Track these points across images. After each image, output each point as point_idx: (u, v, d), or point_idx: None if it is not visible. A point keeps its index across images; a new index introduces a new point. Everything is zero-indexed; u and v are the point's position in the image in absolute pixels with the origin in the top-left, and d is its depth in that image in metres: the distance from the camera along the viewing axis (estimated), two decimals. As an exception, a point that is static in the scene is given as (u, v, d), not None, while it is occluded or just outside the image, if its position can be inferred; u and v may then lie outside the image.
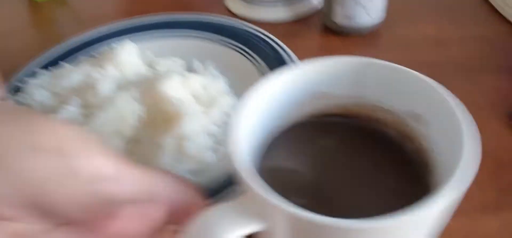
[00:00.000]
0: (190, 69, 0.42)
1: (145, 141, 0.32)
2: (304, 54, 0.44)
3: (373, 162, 0.23)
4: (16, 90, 0.39)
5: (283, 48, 0.40)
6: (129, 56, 0.39)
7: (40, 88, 0.37)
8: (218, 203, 0.19)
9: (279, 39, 0.46)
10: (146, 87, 0.34)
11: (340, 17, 0.45)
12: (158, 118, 0.33)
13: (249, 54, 0.41)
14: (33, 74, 0.40)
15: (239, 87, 0.39)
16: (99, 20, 0.46)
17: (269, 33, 0.46)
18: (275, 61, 0.39)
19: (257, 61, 0.40)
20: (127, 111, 0.33)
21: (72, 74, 0.37)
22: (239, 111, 0.20)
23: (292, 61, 0.39)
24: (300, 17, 0.49)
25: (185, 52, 0.43)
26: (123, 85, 0.36)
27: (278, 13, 0.49)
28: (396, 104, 0.23)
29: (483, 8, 0.49)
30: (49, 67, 0.41)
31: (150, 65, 0.41)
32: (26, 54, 0.42)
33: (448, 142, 0.20)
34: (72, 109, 0.33)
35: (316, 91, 0.24)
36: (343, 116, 0.24)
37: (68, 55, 0.43)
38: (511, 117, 0.35)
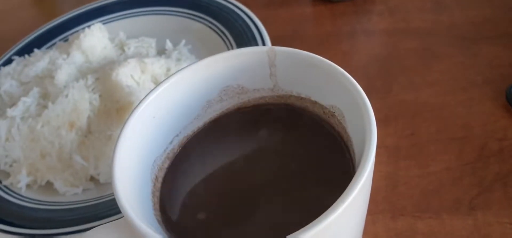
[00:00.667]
0: (162, 49, 0.40)
1: (97, 133, 0.31)
2: (288, 26, 0.41)
3: (293, 159, 0.20)
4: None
5: (259, 28, 0.37)
6: (97, 41, 0.38)
7: (9, 77, 0.37)
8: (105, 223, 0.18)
9: (264, 7, 0.43)
10: (101, 75, 0.33)
11: None
12: (112, 109, 0.32)
13: (223, 33, 0.39)
14: (9, 62, 0.41)
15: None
16: None
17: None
18: (248, 41, 0.36)
19: (229, 40, 0.38)
20: (81, 102, 0.32)
21: (39, 62, 0.37)
22: (124, 129, 0.18)
23: (264, 43, 0.36)
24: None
25: (161, 29, 0.42)
26: (84, 72, 0.35)
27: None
28: (313, 94, 0.20)
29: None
30: (26, 55, 0.41)
31: (121, 47, 0.40)
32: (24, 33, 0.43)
33: (360, 133, 0.17)
34: (28, 101, 0.33)
35: (228, 85, 0.21)
36: (259, 109, 0.22)
37: (45, 41, 0.43)
38: (510, 96, 0.30)
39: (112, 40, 0.40)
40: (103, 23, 0.43)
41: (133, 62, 0.33)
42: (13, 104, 0.34)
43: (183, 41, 0.40)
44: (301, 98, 0.21)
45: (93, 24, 0.43)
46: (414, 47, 0.36)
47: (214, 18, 0.40)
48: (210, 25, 0.40)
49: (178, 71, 0.21)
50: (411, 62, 0.35)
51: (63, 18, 0.44)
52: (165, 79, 0.20)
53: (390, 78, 0.34)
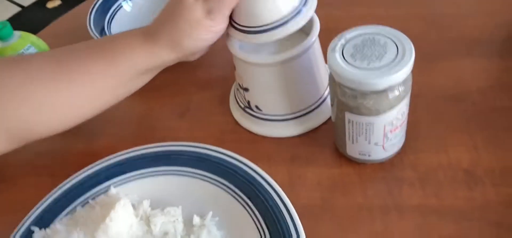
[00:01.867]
0: (189, 219, 0.39)
1: None
2: (317, 192, 0.40)
3: None
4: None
5: (287, 206, 0.36)
6: (123, 223, 0.37)
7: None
8: None
9: (289, 163, 0.42)
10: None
11: (354, 152, 0.39)
12: None
13: (251, 209, 0.38)
14: (29, 235, 0.39)
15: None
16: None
17: (278, 152, 0.43)
18: (279, 231, 0.35)
19: (258, 219, 0.37)
20: None
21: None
22: None
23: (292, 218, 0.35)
24: (310, 129, 0.44)
25: (185, 193, 0.41)
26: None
27: (287, 129, 0.44)
28: None
29: None
30: (46, 226, 0.40)
31: (146, 222, 0.39)
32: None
33: None
34: None
35: None
36: None
37: (64, 205, 0.41)
38: None
39: (135, 209, 0.39)
40: (124, 183, 0.42)
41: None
42: None
43: (210, 214, 0.39)
44: None
45: (113, 184, 0.42)
46: (449, 236, 0.35)
47: (238, 188, 0.39)
48: (234, 195, 0.39)
49: None
50: (448, 257, 0.34)
51: (81, 177, 0.43)
52: None
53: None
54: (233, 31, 0.40)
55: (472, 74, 0.46)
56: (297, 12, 0.38)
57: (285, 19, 0.38)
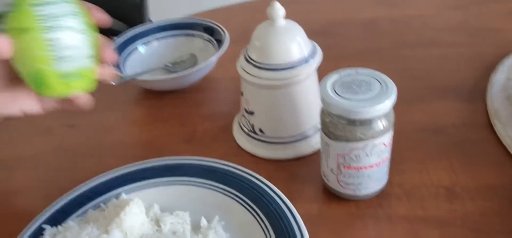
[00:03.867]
0: (196, 224, 0.41)
1: None
2: (314, 204, 0.44)
3: None
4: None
5: (295, 217, 0.39)
6: (136, 218, 0.39)
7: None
8: None
9: (289, 181, 0.46)
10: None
11: (341, 188, 0.43)
12: None
13: (255, 212, 0.41)
14: (40, 232, 0.41)
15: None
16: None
17: (278, 172, 0.47)
18: (283, 228, 0.38)
19: (262, 220, 0.40)
20: None
21: (78, 241, 0.37)
22: None
23: (296, 222, 0.38)
24: (307, 153, 0.49)
25: (194, 201, 0.44)
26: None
27: (286, 151, 0.49)
28: None
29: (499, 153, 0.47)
30: (57, 225, 0.41)
31: (157, 222, 0.41)
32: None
33: None
34: None
35: None
36: None
37: (76, 207, 0.43)
38: None
39: (147, 211, 0.42)
40: (135, 190, 0.45)
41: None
42: None
43: (217, 217, 0.42)
44: None
45: (124, 191, 0.44)
46: (435, 238, 0.39)
47: (246, 195, 0.42)
48: (239, 201, 0.42)
49: None
50: (436, 256, 0.38)
51: (93, 183, 0.45)
52: None
53: (419, 272, 0.37)
54: (246, 64, 0.46)
55: (446, 113, 0.53)
56: (305, 61, 0.45)
57: (295, 64, 0.45)
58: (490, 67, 0.59)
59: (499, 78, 0.56)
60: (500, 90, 0.53)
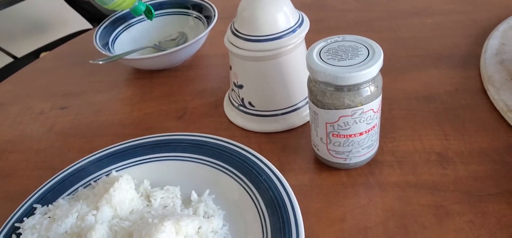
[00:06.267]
0: (187, 198, 0.41)
1: None
2: (306, 175, 0.44)
3: None
4: (14, 231, 0.39)
5: (286, 187, 0.39)
6: (125, 194, 0.39)
7: (35, 232, 0.37)
8: None
9: (280, 152, 0.46)
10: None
11: (331, 157, 0.43)
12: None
13: (245, 183, 0.41)
14: (32, 211, 0.41)
15: (236, 219, 0.39)
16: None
17: (269, 144, 0.47)
18: (273, 199, 0.38)
19: (253, 191, 0.40)
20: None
21: (66, 217, 0.37)
22: None
23: (287, 193, 0.38)
24: (297, 125, 0.49)
25: (184, 176, 0.43)
26: (116, 232, 0.36)
27: (276, 124, 0.49)
28: None
29: (492, 118, 0.47)
30: (49, 204, 0.41)
31: (147, 198, 0.41)
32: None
33: None
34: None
35: None
36: None
37: (66, 187, 0.43)
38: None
39: (137, 187, 0.42)
40: (125, 167, 0.45)
41: (169, 225, 0.34)
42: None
43: (207, 191, 0.41)
44: None
45: (114, 169, 0.44)
46: (427, 203, 0.39)
47: (236, 168, 0.42)
48: (229, 173, 0.42)
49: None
50: (427, 219, 0.38)
51: (83, 161, 0.45)
52: None
53: (410, 236, 0.36)
54: (232, 38, 0.46)
55: (439, 81, 0.52)
56: (291, 31, 0.44)
57: (281, 34, 0.44)
58: (484, 34, 0.58)
59: (492, 43, 0.55)
60: (493, 54, 0.53)
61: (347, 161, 0.42)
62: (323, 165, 0.44)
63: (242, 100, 0.49)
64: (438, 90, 0.51)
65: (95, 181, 0.43)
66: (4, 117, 0.59)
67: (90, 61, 0.56)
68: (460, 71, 0.53)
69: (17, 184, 0.48)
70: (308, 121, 0.48)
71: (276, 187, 0.39)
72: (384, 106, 0.49)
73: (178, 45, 0.62)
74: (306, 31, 0.46)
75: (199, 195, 0.41)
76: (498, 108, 0.47)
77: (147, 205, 0.40)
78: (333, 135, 0.40)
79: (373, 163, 0.43)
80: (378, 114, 0.40)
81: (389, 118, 0.48)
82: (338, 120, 0.39)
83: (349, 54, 0.38)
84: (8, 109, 0.60)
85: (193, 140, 0.46)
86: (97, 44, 0.58)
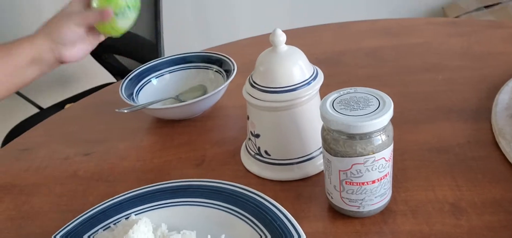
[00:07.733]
0: (204, 243, 0.42)
1: None
2: (320, 222, 0.44)
3: None
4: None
5: (300, 234, 0.40)
6: (143, 235, 0.40)
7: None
8: None
9: (295, 200, 0.47)
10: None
11: (345, 205, 0.44)
12: None
13: (261, 230, 0.42)
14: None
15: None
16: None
17: (284, 192, 0.48)
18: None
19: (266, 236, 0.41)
20: None
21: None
22: None
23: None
24: (312, 174, 0.50)
25: (201, 221, 0.45)
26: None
27: (292, 172, 0.50)
28: None
29: (504, 170, 0.47)
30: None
31: (164, 241, 0.42)
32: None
33: None
34: None
35: None
36: None
37: (87, 228, 0.45)
38: None
39: (154, 230, 0.43)
40: (144, 211, 0.46)
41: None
42: None
43: (223, 236, 0.42)
44: None
45: (134, 213, 0.46)
46: (441, 254, 0.39)
47: (251, 214, 0.43)
48: (245, 219, 0.43)
49: None
50: (442, 269, 0.38)
51: (104, 205, 0.47)
52: None
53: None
54: (250, 89, 0.48)
55: (451, 133, 0.54)
56: (306, 83, 0.47)
57: (297, 86, 0.47)
58: (495, 89, 0.60)
59: (503, 97, 0.56)
60: (504, 108, 0.54)
61: (361, 209, 0.43)
62: (337, 214, 0.45)
63: (259, 148, 0.51)
64: (450, 142, 0.52)
65: (114, 224, 0.45)
66: (31, 161, 0.62)
67: (116, 110, 0.59)
68: (471, 124, 0.55)
69: (40, 226, 0.50)
70: (322, 170, 0.50)
71: (290, 233, 0.40)
72: (396, 157, 0.50)
73: (198, 96, 0.65)
74: (320, 83, 0.48)
75: (215, 239, 0.42)
76: (510, 160, 0.48)
77: (164, 248, 0.42)
78: (346, 182, 0.41)
79: (386, 212, 0.44)
80: (390, 163, 0.42)
81: (402, 169, 0.49)
82: (351, 167, 0.40)
83: (361, 105, 0.40)
84: (35, 154, 0.63)
85: (209, 186, 0.47)
86: (123, 94, 0.62)
